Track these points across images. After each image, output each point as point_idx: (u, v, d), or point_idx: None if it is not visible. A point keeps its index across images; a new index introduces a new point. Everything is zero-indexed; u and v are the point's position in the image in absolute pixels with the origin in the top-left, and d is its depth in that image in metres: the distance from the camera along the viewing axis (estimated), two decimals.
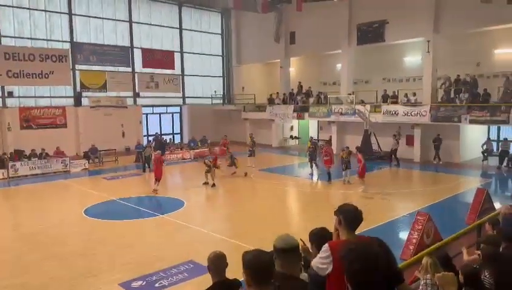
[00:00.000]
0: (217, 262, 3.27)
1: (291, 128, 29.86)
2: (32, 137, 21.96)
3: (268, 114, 27.80)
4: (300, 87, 27.93)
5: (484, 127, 20.61)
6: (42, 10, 23.53)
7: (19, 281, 7.70)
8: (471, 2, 18.56)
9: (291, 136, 29.73)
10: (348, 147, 17.28)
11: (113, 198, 14.22)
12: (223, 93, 32.81)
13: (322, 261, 2.89)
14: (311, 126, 29.23)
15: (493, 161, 19.49)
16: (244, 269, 2.54)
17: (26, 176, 18.70)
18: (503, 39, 19.69)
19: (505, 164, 18.82)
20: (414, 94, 21.40)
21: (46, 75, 23.00)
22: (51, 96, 24.28)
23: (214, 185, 15.94)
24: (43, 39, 23.68)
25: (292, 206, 14.43)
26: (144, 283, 7.46)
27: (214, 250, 3.42)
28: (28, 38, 23.14)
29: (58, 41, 24.19)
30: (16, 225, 11.91)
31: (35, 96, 23.78)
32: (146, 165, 19.77)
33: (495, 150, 20.37)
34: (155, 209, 12.73)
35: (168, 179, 18.25)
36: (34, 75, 22.65)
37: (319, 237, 3.33)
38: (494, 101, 19.08)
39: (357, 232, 3.12)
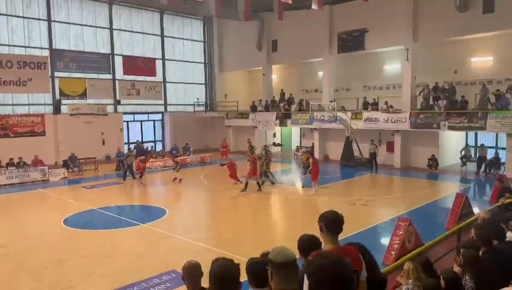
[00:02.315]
0: (191, 272, 3.20)
1: (274, 135, 29.96)
2: (9, 145, 21.41)
3: (251, 121, 27.84)
4: (282, 94, 28.09)
5: (462, 134, 21.07)
6: (20, 16, 23.10)
7: None
8: (448, 11, 19.09)
9: (274, 143, 29.82)
10: (306, 152, 17.72)
11: (93, 207, 13.94)
12: (206, 100, 32.72)
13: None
14: (294, 133, 29.44)
15: (471, 167, 19.89)
16: (210, 280, 2.51)
17: (4, 185, 18.19)
18: (479, 48, 20.22)
19: (482, 169, 19.24)
20: (391, 106, 21.57)
21: (24, 83, 22.54)
22: (29, 104, 23.77)
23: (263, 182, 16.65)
24: (21, 46, 23.20)
25: (275, 214, 14.39)
26: None
27: (195, 259, 3.36)
28: (5, 44, 22.63)
29: (37, 48, 23.74)
30: None
31: (12, 104, 23.24)
32: (127, 173, 19.53)
33: (473, 155, 20.81)
34: (136, 219, 12.52)
35: (149, 187, 18.03)
36: (12, 83, 22.18)
37: (307, 244, 3.28)
38: (471, 108, 19.55)
39: (340, 237, 3.12)
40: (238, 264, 2.58)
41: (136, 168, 19.03)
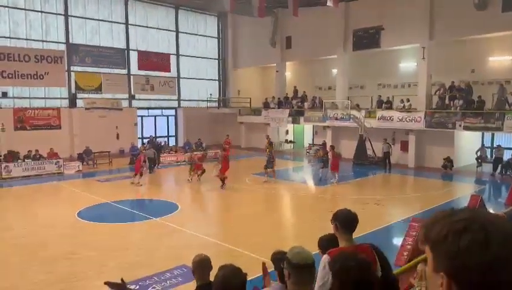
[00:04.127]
0: (201, 265, 3.23)
1: (287, 132, 29.87)
2: (26, 138, 21.73)
3: (263, 118, 27.79)
4: (295, 91, 27.97)
5: (478, 134, 20.71)
6: (38, 11, 23.40)
7: (3, 285, 7.56)
8: (466, 9, 18.73)
9: (286, 140, 29.75)
10: (318, 150, 17.81)
11: (106, 201, 14.10)
12: (219, 96, 32.79)
13: (320, 275, 2.78)
14: (307, 131, 29.30)
15: (487, 168, 19.56)
16: (213, 287, 2.52)
17: (20, 177, 18.48)
18: (497, 47, 19.83)
19: (498, 170, 18.90)
20: (408, 100, 21.49)
21: (41, 76, 22.87)
22: (45, 98, 24.12)
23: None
24: (39, 40, 23.53)
25: (285, 210, 14.38)
26: (137, 287, 7.35)
27: (205, 253, 3.37)
28: (23, 39, 22.98)
29: (54, 42, 24.05)
30: (5, 227, 11.72)
31: (29, 98, 23.60)
32: (152, 165, 19.78)
33: (489, 156, 20.46)
34: (148, 213, 12.63)
35: (162, 182, 18.16)
36: (29, 76, 22.52)
37: (327, 243, 3.29)
38: (488, 108, 19.20)
39: (354, 236, 3.10)
40: (245, 274, 2.55)
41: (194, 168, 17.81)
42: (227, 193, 15.61)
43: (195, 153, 19.47)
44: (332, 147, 18.35)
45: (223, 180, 16.02)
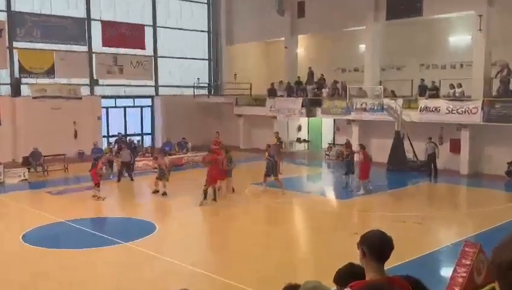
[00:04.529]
0: None
1: (299, 128, 29.87)
2: None
3: (268, 109, 27.79)
4: (310, 74, 27.99)
5: None
6: None
7: None
8: None
9: (298, 139, 29.75)
10: (347, 143, 18.12)
11: (61, 219, 14.11)
12: (209, 81, 32.84)
13: None
14: (325, 126, 29.28)
15: None
16: None
17: None
18: None
19: None
20: (460, 85, 21.46)
21: None
22: None
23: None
24: None
25: (298, 232, 14.39)
26: None
27: (187, 288, 3.41)
28: None
29: None
30: None
31: None
32: (125, 172, 20.03)
33: None
34: (117, 235, 12.62)
35: (136, 195, 18.18)
36: None
37: (347, 274, 3.28)
38: None
39: (386, 267, 3.09)
40: None
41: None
42: (221, 209, 15.61)
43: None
44: (362, 146, 18.35)
45: (206, 192, 15.78)
